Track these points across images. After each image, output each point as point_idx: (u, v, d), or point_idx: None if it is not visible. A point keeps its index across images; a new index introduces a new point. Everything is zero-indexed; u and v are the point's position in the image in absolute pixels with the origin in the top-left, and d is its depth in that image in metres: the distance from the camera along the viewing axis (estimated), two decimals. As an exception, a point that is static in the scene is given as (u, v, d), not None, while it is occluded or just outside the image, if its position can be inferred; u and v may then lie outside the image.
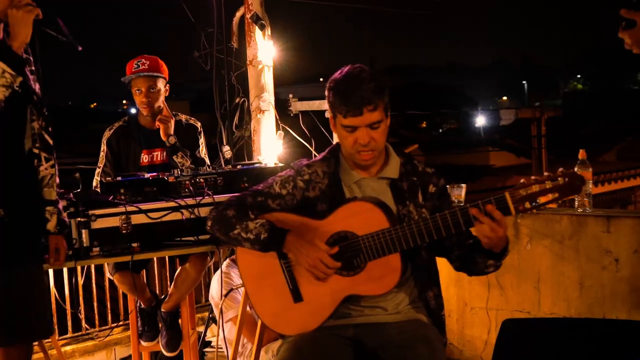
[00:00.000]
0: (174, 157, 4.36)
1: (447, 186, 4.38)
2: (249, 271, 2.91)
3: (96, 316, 5.37)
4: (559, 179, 2.54)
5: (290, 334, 2.83)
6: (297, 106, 5.59)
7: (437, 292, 2.91)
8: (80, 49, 3.15)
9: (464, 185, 4.45)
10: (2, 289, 2.94)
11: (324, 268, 2.68)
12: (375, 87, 2.70)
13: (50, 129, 3.17)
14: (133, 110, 4.96)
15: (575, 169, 2.98)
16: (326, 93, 2.81)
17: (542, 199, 2.56)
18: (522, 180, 2.60)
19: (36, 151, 3.11)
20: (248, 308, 3.79)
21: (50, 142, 3.12)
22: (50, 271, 4.96)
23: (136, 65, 4.45)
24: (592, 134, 33.19)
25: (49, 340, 4.10)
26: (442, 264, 2.94)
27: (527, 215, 4.15)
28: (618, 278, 3.84)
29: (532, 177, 2.60)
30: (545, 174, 2.59)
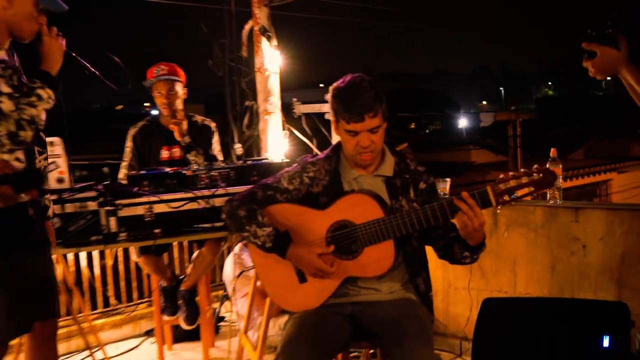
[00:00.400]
0: (188, 155, 4.37)
1: (433, 176, 4.41)
2: (259, 255, 2.92)
3: (123, 294, 5.38)
4: (534, 174, 2.57)
5: (296, 311, 2.85)
6: (300, 109, 5.60)
7: (426, 277, 2.92)
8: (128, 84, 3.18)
9: (448, 179, 4.45)
10: (32, 272, 2.84)
11: (321, 274, 2.72)
12: (375, 95, 2.70)
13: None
14: (155, 112, 4.97)
15: (547, 166, 2.99)
16: (329, 100, 2.80)
17: (519, 193, 2.59)
18: (501, 176, 2.62)
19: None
20: (258, 283, 3.81)
21: (44, 138, 3.07)
22: (83, 254, 4.98)
23: (156, 71, 4.48)
24: (561, 134, 33.29)
25: (82, 314, 4.12)
26: (430, 251, 2.95)
27: (504, 207, 4.16)
28: (585, 262, 3.85)
29: (510, 173, 2.62)
30: (522, 170, 2.61)
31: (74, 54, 2.97)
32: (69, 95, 3.16)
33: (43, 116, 2.73)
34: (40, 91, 2.69)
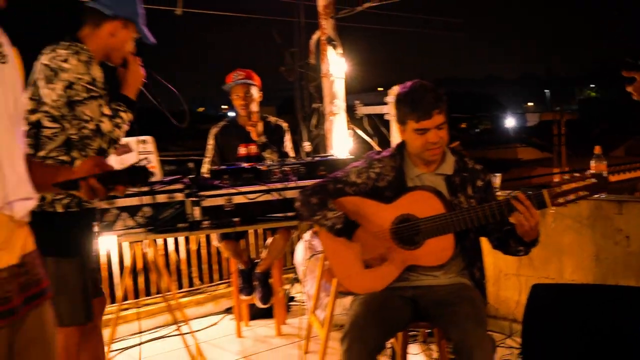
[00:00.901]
0: (264, 153, 4.41)
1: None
2: (328, 242, 2.92)
3: (205, 275, 5.44)
4: (588, 179, 2.53)
5: (361, 293, 2.84)
6: (362, 110, 5.56)
7: (481, 265, 2.88)
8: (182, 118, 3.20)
9: (499, 174, 4.38)
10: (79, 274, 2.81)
11: (381, 261, 2.74)
12: (437, 95, 2.69)
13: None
14: (232, 113, 5.02)
15: (592, 162, 2.92)
16: (395, 106, 2.80)
17: (573, 196, 2.54)
18: (557, 180, 2.59)
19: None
20: (326, 266, 3.82)
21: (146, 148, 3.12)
22: (171, 239, 5.07)
23: (234, 76, 4.53)
24: (603, 133, 32.37)
25: (170, 293, 4.18)
26: (483, 239, 2.91)
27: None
28: (628, 252, 3.74)
29: (565, 176, 2.57)
30: (577, 174, 2.56)
31: (145, 87, 2.99)
32: (162, 99, 3.20)
33: (122, 137, 2.79)
34: (122, 114, 2.75)
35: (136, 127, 2.98)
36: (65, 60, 2.59)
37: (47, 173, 1.70)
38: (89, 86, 2.62)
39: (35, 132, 2.63)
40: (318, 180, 3.06)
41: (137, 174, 1.70)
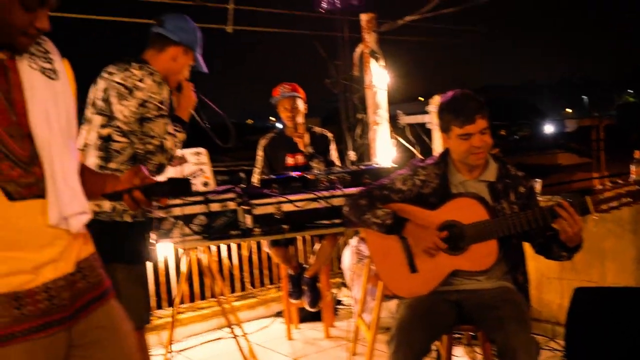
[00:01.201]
0: (311, 162, 4.40)
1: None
2: (375, 247, 2.91)
3: (257, 280, 5.46)
4: (632, 186, 2.46)
5: (407, 297, 2.80)
6: (404, 119, 5.53)
7: (524, 270, 2.82)
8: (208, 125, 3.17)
9: (540, 180, 4.30)
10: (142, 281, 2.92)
11: (435, 247, 2.68)
12: (478, 101, 2.68)
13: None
14: (279, 125, 5.03)
15: (633, 167, 2.84)
16: (438, 115, 2.78)
17: (616, 203, 2.47)
18: (599, 186, 2.52)
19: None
20: (372, 271, 3.79)
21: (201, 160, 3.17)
22: (224, 246, 5.10)
23: (281, 90, 4.55)
24: (642, 138, 31.55)
25: (223, 297, 4.20)
26: (526, 244, 2.85)
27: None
28: (670, 256, 3.64)
29: (609, 184, 2.50)
30: (620, 181, 2.49)
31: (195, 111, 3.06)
32: (214, 112, 3.24)
33: (176, 154, 2.85)
34: (178, 134, 2.82)
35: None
36: (141, 80, 2.68)
37: (98, 182, 1.71)
38: (159, 105, 2.71)
39: (105, 146, 2.71)
40: (364, 187, 3.04)
41: (178, 186, 1.69)
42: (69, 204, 1.54)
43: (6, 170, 1.44)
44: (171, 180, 1.69)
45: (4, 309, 1.45)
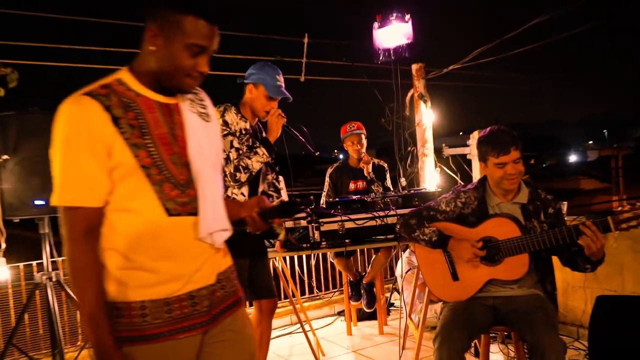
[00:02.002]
0: (372, 186, 4.40)
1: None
2: (423, 259, 2.89)
3: (322, 285, 5.46)
4: None
5: (449, 301, 2.76)
6: (448, 151, 5.47)
7: (552, 279, 2.74)
8: (314, 152, 3.24)
9: (565, 202, 4.17)
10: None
11: (474, 257, 2.65)
12: (512, 135, 2.65)
13: (279, 177, 3.22)
14: (341, 156, 5.06)
15: None
16: (478, 146, 2.75)
17: (635, 222, 2.40)
18: (620, 208, 2.44)
19: (270, 192, 3.15)
20: (420, 279, 3.75)
21: (279, 186, 3.21)
22: (296, 257, 5.13)
23: (349, 127, 4.58)
24: (657, 166, 30.11)
25: (295, 298, 4.22)
26: (554, 257, 2.77)
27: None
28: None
29: (628, 205, 2.43)
30: (638, 203, 2.41)
31: (289, 128, 3.14)
32: (288, 145, 3.30)
33: (256, 166, 2.90)
34: (257, 149, 2.90)
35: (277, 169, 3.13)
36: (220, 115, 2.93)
37: (232, 209, 1.73)
38: (222, 126, 2.89)
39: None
40: (413, 208, 3.02)
41: (287, 208, 1.74)
42: (214, 222, 1.56)
43: (167, 191, 1.48)
44: (282, 204, 1.74)
45: (157, 312, 1.48)
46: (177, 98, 1.59)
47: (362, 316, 4.90)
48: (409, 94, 5.56)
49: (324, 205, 4.26)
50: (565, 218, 4.07)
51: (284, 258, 4.16)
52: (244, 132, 2.95)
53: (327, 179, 4.69)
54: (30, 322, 4.24)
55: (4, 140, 3.16)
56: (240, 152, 2.90)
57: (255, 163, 2.90)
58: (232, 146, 2.89)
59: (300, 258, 5.25)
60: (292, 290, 4.15)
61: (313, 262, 5.29)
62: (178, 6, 1.46)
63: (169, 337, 1.49)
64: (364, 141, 4.57)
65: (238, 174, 2.88)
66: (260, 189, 3.11)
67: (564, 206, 4.17)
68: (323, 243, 3.60)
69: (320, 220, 3.60)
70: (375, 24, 5.14)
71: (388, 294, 5.25)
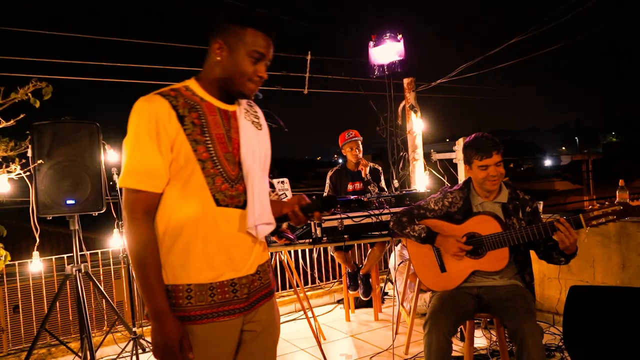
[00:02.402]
0: (368, 187, 4.40)
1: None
2: (414, 252, 2.88)
3: (323, 275, 5.46)
4: (617, 206, 2.40)
5: (437, 290, 2.76)
6: (436, 156, 5.46)
7: (530, 271, 2.74)
8: (286, 130, 3.17)
9: (541, 202, 4.17)
10: None
11: (460, 250, 2.64)
12: (494, 141, 2.66)
13: (284, 179, 3.22)
14: (340, 160, 5.07)
15: (617, 192, 2.73)
16: (463, 151, 2.75)
17: (604, 219, 2.42)
18: (590, 206, 2.46)
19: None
20: (411, 270, 3.73)
21: (283, 187, 3.17)
22: (300, 251, 5.13)
23: (347, 135, 4.58)
24: (623, 169, 30.05)
25: (299, 288, 4.22)
26: (532, 251, 2.76)
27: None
28: (648, 261, 3.45)
29: (597, 204, 2.45)
30: (607, 202, 2.43)
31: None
32: (292, 151, 3.26)
33: None
34: None
35: (276, 172, 3.07)
36: None
37: (275, 206, 1.74)
38: None
39: None
40: (405, 207, 3.02)
41: (327, 202, 1.72)
42: (260, 216, 1.58)
43: (218, 183, 1.52)
44: (321, 198, 1.73)
45: (202, 295, 1.50)
46: (235, 106, 1.63)
47: (359, 304, 4.90)
48: (401, 105, 5.56)
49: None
50: (542, 216, 4.07)
51: (289, 251, 4.15)
52: None
53: (327, 181, 4.69)
54: (61, 309, 4.25)
55: (39, 146, 3.18)
56: None
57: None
58: None
59: (303, 251, 5.25)
60: (296, 281, 4.15)
61: (315, 255, 5.30)
62: (240, 21, 1.53)
63: (211, 319, 1.50)
64: (361, 147, 4.58)
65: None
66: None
67: (540, 205, 4.16)
68: (324, 238, 3.60)
69: (322, 218, 3.60)
70: (371, 43, 5.15)
71: (382, 284, 5.25)
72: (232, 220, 1.54)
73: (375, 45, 5.15)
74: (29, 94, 3.03)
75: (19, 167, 3.11)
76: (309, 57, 5.90)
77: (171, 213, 1.49)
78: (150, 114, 1.46)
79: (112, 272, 4.52)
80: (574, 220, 2.45)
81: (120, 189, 1.53)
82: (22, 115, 3.04)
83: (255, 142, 1.63)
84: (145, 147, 1.46)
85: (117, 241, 3.81)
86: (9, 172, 3.09)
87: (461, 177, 4.85)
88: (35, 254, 3.51)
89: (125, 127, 1.51)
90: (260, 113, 1.74)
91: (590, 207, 2.45)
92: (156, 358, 1.48)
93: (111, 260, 4.45)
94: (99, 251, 4.41)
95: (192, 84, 1.58)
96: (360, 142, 4.57)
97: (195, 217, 1.49)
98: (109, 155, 3.49)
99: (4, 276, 4.29)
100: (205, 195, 1.50)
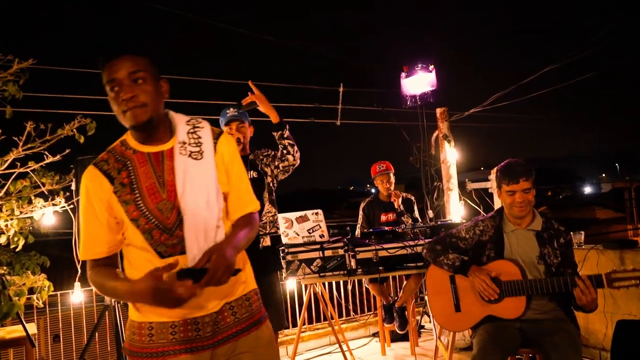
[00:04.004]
0: (402, 218, 4.37)
1: (571, 232, 3.99)
2: (432, 288, 2.87)
3: (358, 307, 5.39)
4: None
5: (448, 330, 2.75)
6: (471, 186, 5.41)
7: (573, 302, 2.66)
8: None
9: (582, 232, 4.06)
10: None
11: (490, 290, 2.58)
12: (525, 167, 2.62)
13: (318, 210, 3.26)
14: (373, 190, 5.06)
15: None
16: (494, 175, 2.78)
17: (627, 283, 2.34)
18: (615, 269, 2.39)
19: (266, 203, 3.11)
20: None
21: (317, 218, 3.19)
22: (334, 282, 5.09)
23: (379, 167, 4.58)
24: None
25: (333, 320, 4.17)
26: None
27: (630, 250, 3.69)
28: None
29: (623, 268, 2.36)
30: (632, 267, 2.35)
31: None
32: (325, 181, 3.29)
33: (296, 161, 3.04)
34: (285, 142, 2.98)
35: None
36: None
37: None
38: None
39: None
40: (438, 236, 2.99)
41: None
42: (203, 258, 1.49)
43: (157, 236, 1.51)
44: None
45: (162, 333, 1.53)
46: (172, 141, 1.57)
47: (395, 337, 4.80)
48: (434, 135, 5.54)
49: (359, 236, 4.25)
50: (583, 246, 3.95)
51: (323, 283, 4.13)
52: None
53: (360, 212, 4.68)
54: (100, 339, 4.31)
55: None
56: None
57: (296, 156, 3.04)
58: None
59: (338, 283, 5.21)
60: (330, 313, 4.11)
61: (350, 287, 5.25)
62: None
63: (173, 355, 1.52)
64: (392, 179, 4.57)
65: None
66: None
67: (582, 235, 4.04)
68: (359, 270, 3.58)
69: (356, 249, 3.58)
70: (403, 74, 5.19)
71: (419, 317, 5.15)
72: (181, 266, 1.46)
73: (407, 76, 5.19)
74: (74, 130, 3.17)
75: (63, 199, 3.22)
76: (341, 89, 5.98)
77: (127, 268, 1.60)
78: (85, 188, 1.55)
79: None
80: (596, 278, 2.39)
81: None
82: (67, 151, 3.17)
83: (196, 175, 1.54)
84: (87, 220, 1.55)
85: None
86: (54, 204, 3.20)
87: (497, 207, 4.77)
88: (77, 284, 3.60)
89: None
90: (205, 136, 1.61)
91: (615, 269, 2.39)
92: (154, 304, 1.44)
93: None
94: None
95: (127, 136, 1.61)
96: (392, 174, 4.57)
97: (147, 268, 1.44)
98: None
99: (47, 306, 4.39)
100: (147, 251, 1.52)
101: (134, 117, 1.48)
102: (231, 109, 3.08)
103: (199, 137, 1.59)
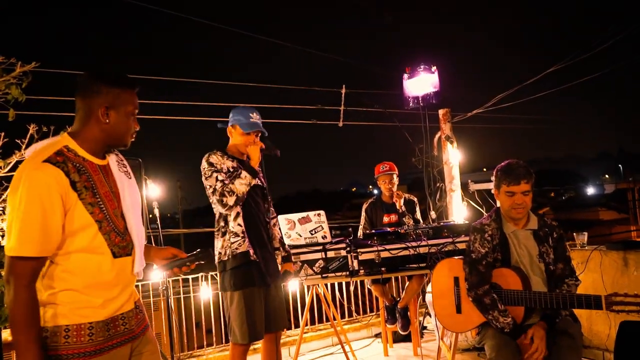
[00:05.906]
0: (404, 219, 4.37)
1: (574, 234, 3.97)
2: (436, 289, 2.91)
3: (360, 308, 5.40)
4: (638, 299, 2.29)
5: (450, 330, 2.81)
6: (473, 187, 5.40)
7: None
8: (278, 155, 3.07)
9: (586, 232, 4.05)
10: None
11: (536, 355, 2.45)
12: (526, 169, 2.62)
13: (321, 211, 3.25)
14: (376, 191, 5.05)
15: None
16: (495, 174, 2.72)
17: (625, 307, 2.29)
18: (616, 292, 2.34)
19: (267, 219, 3.05)
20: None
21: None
22: (336, 283, 5.09)
23: (382, 167, 4.58)
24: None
25: (336, 321, 4.18)
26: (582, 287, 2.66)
27: (633, 251, 3.68)
28: None
29: (624, 293, 2.32)
30: (635, 294, 2.29)
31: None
32: (327, 182, 3.28)
33: (240, 188, 2.83)
34: (240, 173, 2.85)
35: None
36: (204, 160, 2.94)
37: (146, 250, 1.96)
38: (208, 167, 2.88)
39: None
40: (470, 273, 2.73)
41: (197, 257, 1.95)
42: (141, 260, 1.77)
43: (113, 238, 1.66)
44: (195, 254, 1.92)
45: (101, 331, 1.64)
46: (107, 159, 1.74)
47: (398, 338, 4.80)
48: (437, 136, 5.55)
49: (361, 237, 4.26)
50: (586, 247, 3.94)
51: (326, 284, 4.14)
52: (231, 169, 2.91)
53: (363, 213, 4.68)
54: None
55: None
56: (225, 182, 2.86)
57: (239, 185, 2.83)
58: (217, 180, 2.86)
59: (340, 284, 5.21)
60: (333, 314, 4.11)
61: (352, 288, 5.25)
62: (119, 84, 1.67)
63: (109, 350, 1.65)
64: (395, 180, 4.57)
65: (224, 199, 2.83)
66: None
67: (585, 237, 4.04)
68: (361, 271, 3.58)
69: (359, 250, 3.59)
70: (405, 75, 5.19)
71: (421, 318, 5.14)
72: (125, 267, 1.71)
73: (409, 78, 5.18)
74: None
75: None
76: (343, 91, 5.99)
77: (75, 270, 1.60)
78: (43, 184, 1.52)
79: (152, 304, 4.59)
80: (595, 300, 2.34)
81: (12, 256, 1.53)
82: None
83: (130, 192, 1.76)
84: (39, 215, 1.51)
85: (156, 274, 3.89)
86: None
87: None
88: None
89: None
90: (126, 162, 1.84)
91: (616, 292, 2.33)
92: None
93: (151, 292, 4.52)
94: (139, 283, 4.48)
95: (70, 142, 1.65)
96: (394, 175, 4.57)
97: (98, 269, 1.63)
98: (150, 189, 3.63)
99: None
100: (104, 251, 1.64)
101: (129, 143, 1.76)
102: (255, 114, 3.03)
103: (122, 159, 1.83)
